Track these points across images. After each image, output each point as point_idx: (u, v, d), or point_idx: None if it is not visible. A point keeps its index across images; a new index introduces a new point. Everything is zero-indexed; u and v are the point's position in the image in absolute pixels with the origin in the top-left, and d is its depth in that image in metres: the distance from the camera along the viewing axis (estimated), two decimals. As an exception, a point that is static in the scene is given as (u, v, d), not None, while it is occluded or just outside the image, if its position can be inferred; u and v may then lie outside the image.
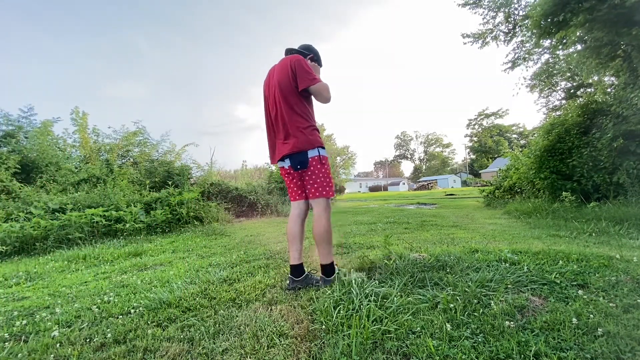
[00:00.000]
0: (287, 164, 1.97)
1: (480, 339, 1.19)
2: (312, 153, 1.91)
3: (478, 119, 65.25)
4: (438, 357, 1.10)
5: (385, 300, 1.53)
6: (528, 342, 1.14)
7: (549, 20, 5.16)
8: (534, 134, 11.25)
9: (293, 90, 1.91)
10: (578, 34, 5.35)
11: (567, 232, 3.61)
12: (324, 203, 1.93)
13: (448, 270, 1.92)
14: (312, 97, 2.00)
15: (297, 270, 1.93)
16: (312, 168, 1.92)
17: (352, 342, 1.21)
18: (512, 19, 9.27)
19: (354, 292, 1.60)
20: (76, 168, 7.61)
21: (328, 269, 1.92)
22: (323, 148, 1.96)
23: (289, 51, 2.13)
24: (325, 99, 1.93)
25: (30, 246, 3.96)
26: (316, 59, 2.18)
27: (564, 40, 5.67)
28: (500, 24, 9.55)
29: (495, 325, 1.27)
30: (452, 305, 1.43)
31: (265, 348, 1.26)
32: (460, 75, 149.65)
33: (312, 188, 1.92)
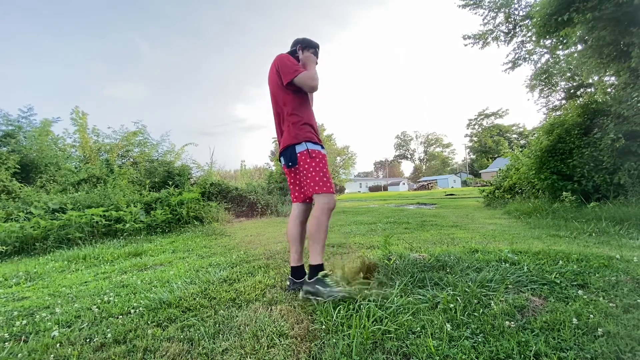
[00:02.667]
0: (282, 161, 1.96)
1: (480, 339, 1.19)
2: (299, 148, 1.83)
3: (478, 119, 65.23)
4: (438, 357, 1.10)
5: (385, 300, 1.53)
6: (528, 342, 1.14)
7: (552, 19, 5.16)
8: (534, 134, 11.23)
9: (281, 88, 1.91)
10: (578, 33, 5.35)
11: (567, 232, 3.61)
12: (321, 199, 1.77)
13: (448, 270, 1.92)
14: (307, 93, 1.94)
15: (297, 271, 1.91)
16: (301, 163, 1.82)
17: (352, 342, 1.21)
18: (512, 19, 9.28)
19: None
20: (76, 168, 7.62)
21: (313, 271, 1.74)
22: (313, 142, 1.84)
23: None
24: (310, 87, 1.86)
25: (30, 246, 3.96)
26: (305, 46, 2.04)
27: (564, 41, 5.66)
28: (500, 25, 9.56)
29: (495, 325, 1.27)
30: (452, 305, 1.43)
31: (265, 348, 1.26)
32: (460, 75, 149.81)
33: (308, 185, 1.81)
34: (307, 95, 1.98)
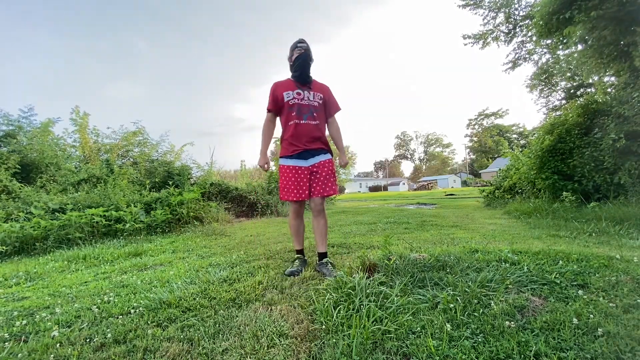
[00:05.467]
0: None
1: (480, 339, 1.19)
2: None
3: (478, 119, 65.20)
4: (438, 357, 1.10)
5: (385, 300, 1.53)
6: (528, 342, 1.14)
7: (554, 18, 5.15)
8: (534, 133, 11.23)
9: None
10: (579, 33, 5.35)
11: (567, 232, 3.61)
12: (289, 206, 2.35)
13: (448, 270, 1.92)
14: (284, 114, 2.34)
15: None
16: None
17: (352, 342, 1.21)
18: (512, 19, 9.27)
19: (354, 292, 1.60)
20: (76, 168, 7.61)
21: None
22: (282, 157, 2.34)
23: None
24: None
25: (30, 246, 3.95)
26: (290, 57, 2.39)
27: (565, 41, 5.66)
28: (500, 25, 9.56)
29: (495, 325, 1.27)
30: (452, 305, 1.43)
31: (265, 348, 1.26)
32: (460, 75, 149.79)
33: None
34: (282, 116, 2.37)
